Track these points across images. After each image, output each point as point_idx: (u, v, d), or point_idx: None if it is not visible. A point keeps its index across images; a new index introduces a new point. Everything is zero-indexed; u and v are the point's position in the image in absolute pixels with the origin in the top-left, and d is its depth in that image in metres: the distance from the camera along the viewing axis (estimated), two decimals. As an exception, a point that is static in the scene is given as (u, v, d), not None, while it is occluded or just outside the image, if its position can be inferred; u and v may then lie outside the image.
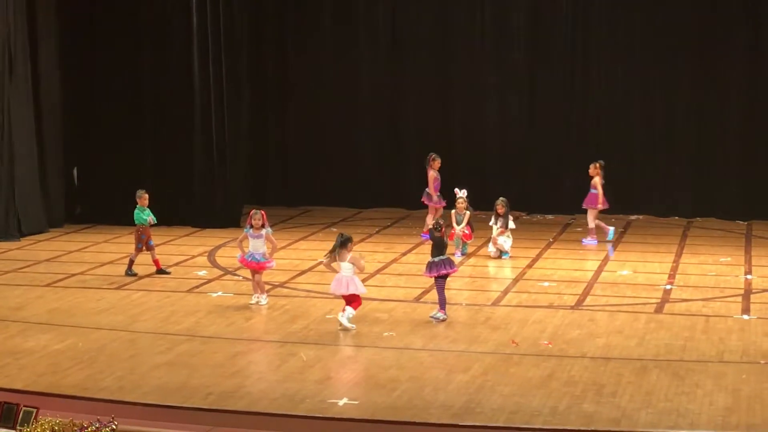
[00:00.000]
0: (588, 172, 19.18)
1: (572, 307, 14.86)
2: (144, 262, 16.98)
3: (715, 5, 21.06)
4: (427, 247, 14.78)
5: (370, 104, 22.86)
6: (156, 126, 21.14)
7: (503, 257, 17.93)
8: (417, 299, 15.33)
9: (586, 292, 15.67)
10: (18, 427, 9.96)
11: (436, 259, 14.11)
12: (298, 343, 13.22)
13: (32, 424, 9.85)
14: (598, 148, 21.65)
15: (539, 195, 21.68)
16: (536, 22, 22.00)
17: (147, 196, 16.94)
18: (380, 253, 18.32)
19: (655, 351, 12.75)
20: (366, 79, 22.84)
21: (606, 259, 17.87)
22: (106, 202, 21.08)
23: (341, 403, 11.08)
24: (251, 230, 15.07)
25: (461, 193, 18.18)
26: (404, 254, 18.39)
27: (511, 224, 18.11)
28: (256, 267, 15.08)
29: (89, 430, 9.63)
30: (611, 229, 19.22)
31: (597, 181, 19.08)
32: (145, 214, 16.78)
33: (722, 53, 21.02)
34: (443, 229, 14.29)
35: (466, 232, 18.01)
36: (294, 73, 23.12)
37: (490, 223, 18.24)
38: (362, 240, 19.45)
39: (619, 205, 21.56)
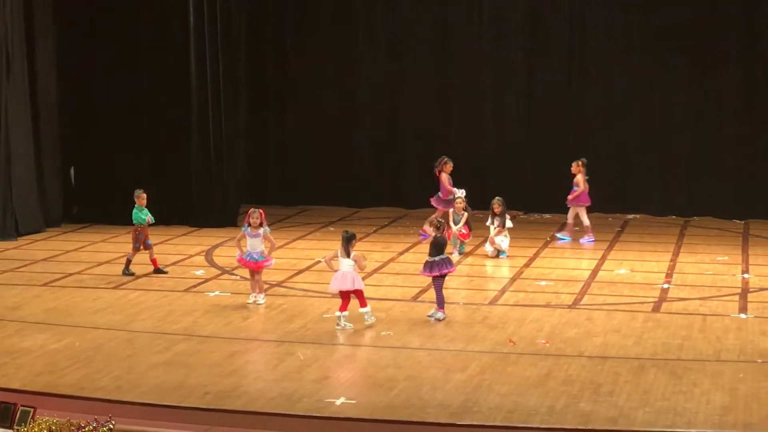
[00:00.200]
0: (570, 170, 19.23)
1: (569, 306, 14.86)
2: (141, 262, 16.97)
3: (713, 7, 21.07)
4: (425, 247, 14.77)
5: (368, 104, 22.87)
6: (153, 125, 21.13)
7: (501, 256, 17.93)
8: (414, 298, 15.33)
9: (584, 291, 15.68)
10: (15, 427, 9.95)
11: (436, 258, 14.11)
12: (296, 343, 13.22)
13: (29, 424, 9.84)
14: (595, 147, 21.70)
15: (537, 194, 21.68)
16: (535, 22, 22.00)
17: (145, 195, 16.93)
18: (378, 253, 18.32)
19: (652, 350, 12.76)
20: (365, 78, 22.85)
21: (603, 258, 17.87)
22: (104, 201, 21.07)
23: (339, 402, 11.08)
24: (249, 229, 15.07)
25: (459, 193, 18.18)
26: (402, 253, 18.39)
27: (509, 223, 18.11)
28: (254, 266, 15.08)
29: (86, 429, 9.62)
30: (569, 238, 19.22)
31: (580, 178, 19.12)
32: (143, 214, 16.78)
33: (719, 54, 21.04)
34: (445, 229, 14.30)
35: (464, 231, 18.02)
36: (292, 73, 23.12)
37: (487, 223, 18.24)
38: (360, 239, 19.39)
39: (616, 204, 21.65)
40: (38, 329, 13.86)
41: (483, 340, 13.24)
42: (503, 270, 17.32)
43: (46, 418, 9.91)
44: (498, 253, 17.98)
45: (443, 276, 14.17)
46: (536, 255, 18.22)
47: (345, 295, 13.83)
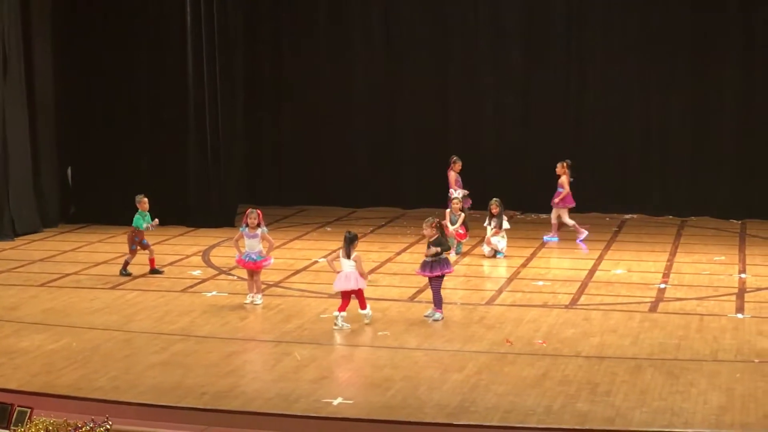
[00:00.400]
0: (555, 171, 19.26)
1: (567, 306, 14.87)
2: (139, 262, 16.97)
3: (711, 7, 21.07)
4: (422, 247, 14.76)
5: (365, 104, 22.87)
6: (150, 126, 21.13)
7: (498, 256, 17.94)
8: (411, 298, 15.33)
9: (581, 291, 15.68)
10: (12, 427, 9.93)
11: (436, 258, 14.10)
12: (293, 343, 13.22)
13: (26, 424, 9.83)
14: (593, 147, 21.74)
15: (534, 194, 21.68)
16: (532, 22, 22.01)
17: (147, 200, 16.92)
18: (375, 253, 18.32)
19: (649, 350, 12.77)
20: (361, 78, 22.85)
21: (600, 258, 17.88)
22: (101, 202, 21.08)
23: (336, 402, 11.08)
24: (247, 229, 15.06)
25: (456, 194, 18.18)
26: (398, 254, 18.40)
27: (506, 224, 18.11)
28: (254, 267, 15.07)
29: (83, 430, 9.61)
30: (556, 238, 19.24)
31: (564, 180, 19.13)
32: (145, 220, 16.76)
33: (717, 54, 21.05)
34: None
35: (461, 231, 18.02)
36: (289, 73, 23.13)
37: (485, 224, 18.25)
38: (358, 239, 19.41)
39: (614, 204, 21.65)
40: (35, 329, 13.85)
41: (480, 341, 13.24)
42: (500, 270, 17.32)
43: (43, 418, 9.89)
44: (495, 253, 17.99)
45: (442, 276, 14.18)
46: (533, 255, 18.23)
47: (346, 295, 13.84)
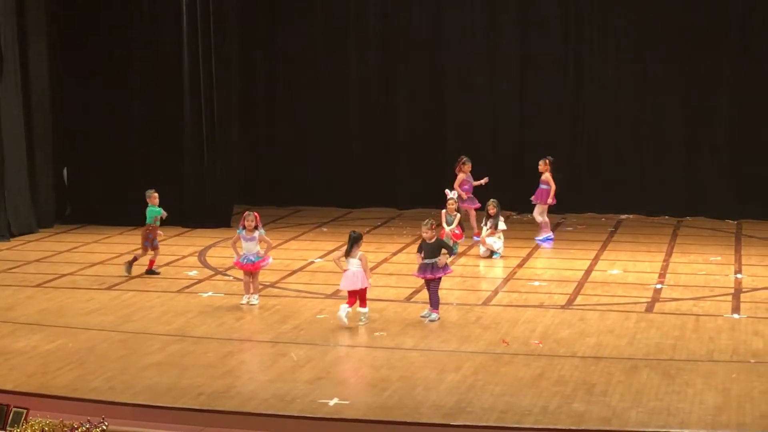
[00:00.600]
0: (538, 168, 19.28)
1: (563, 307, 14.87)
2: (138, 263, 16.95)
3: (706, 6, 21.09)
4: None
5: (361, 104, 22.86)
6: (146, 126, 21.11)
7: (494, 257, 17.94)
8: (408, 299, 15.33)
9: (577, 292, 15.69)
10: (8, 428, 9.93)
11: (435, 260, 14.10)
12: (289, 343, 13.21)
13: (22, 425, 9.83)
14: (588, 147, 21.76)
15: (530, 195, 21.63)
16: (528, 22, 22.00)
17: (156, 195, 16.93)
18: (371, 253, 18.23)
19: (645, 350, 12.77)
20: (357, 79, 22.84)
21: (596, 259, 17.89)
22: (97, 202, 21.07)
23: (332, 403, 11.08)
24: (244, 232, 15.05)
25: (452, 194, 18.19)
26: (395, 254, 18.40)
27: (502, 225, 18.12)
28: (253, 268, 15.06)
29: (80, 430, 9.61)
30: (551, 234, 19.27)
31: (549, 177, 19.14)
32: (158, 211, 16.76)
33: (713, 55, 21.06)
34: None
35: (457, 232, 18.02)
36: (284, 74, 23.11)
37: (481, 224, 18.25)
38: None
39: (609, 204, 21.65)
40: (31, 330, 13.84)
41: (476, 341, 13.24)
42: (496, 270, 17.32)
43: (39, 419, 9.89)
44: (491, 253, 17.99)
45: (439, 278, 14.20)
46: (529, 255, 18.24)
47: (353, 294, 13.88)
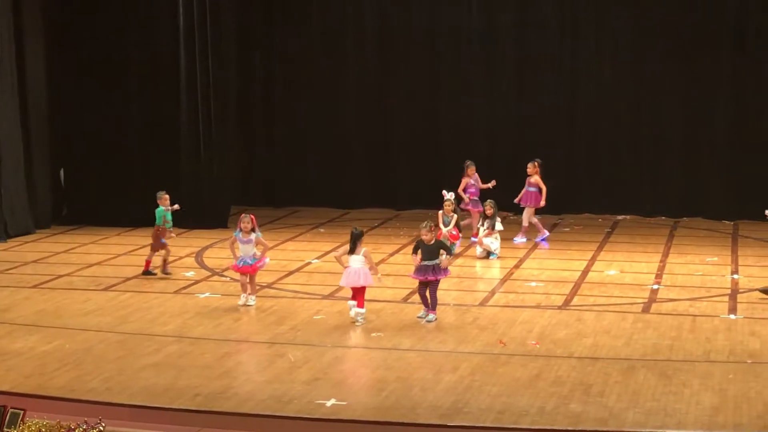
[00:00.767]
0: (526, 171, 19.31)
1: (560, 307, 14.88)
2: (134, 264, 16.95)
3: (704, 6, 21.11)
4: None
5: (358, 105, 22.86)
6: (143, 127, 21.09)
7: (491, 257, 17.95)
8: (405, 300, 15.33)
9: (574, 292, 15.70)
10: (5, 429, 9.93)
11: (435, 261, 14.10)
12: (286, 344, 13.21)
13: (19, 426, 9.83)
14: (586, 147, 21.76)
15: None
16: (525, 23, 22.02)
17: (167, 197, 16.93)
18: (368, 254, 18.31)
19: (642, 351, 12.78)
20: (355, 79, 22.85)
21: (593, 259, 17.89)
22: (93, 203, 21.05)
23: (329, 403, 11.08)
24: (240, 234, 15.05)
25: (449, 195, 18.20)
26: (392, 255, 18.40)
27: (499, 226, 18.13)
28: (251, 270, 15.06)
29: (77, 431, 9.61)
30: (547, 233, 19.27)
31: (538, 179, 19.15)
32: (163, 212, 16.76)
33: (710, 54, 21.08)
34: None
35: (454, 233, 18.03)
36: (282, 74, 23.11)
37: (478, 225, 18.26)
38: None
39: (606, 205, 21.66)
40: (28, 331, 13.83)
41: (473, 342, 13.24)
42: (493, 271, 17.33)
43: (36, 420, 9.89)
44: (488, 254, 18.00)
45: (438, 279, 14.22)
46: (526, 256, 18.24)
47: (356, 291, 13.90)
